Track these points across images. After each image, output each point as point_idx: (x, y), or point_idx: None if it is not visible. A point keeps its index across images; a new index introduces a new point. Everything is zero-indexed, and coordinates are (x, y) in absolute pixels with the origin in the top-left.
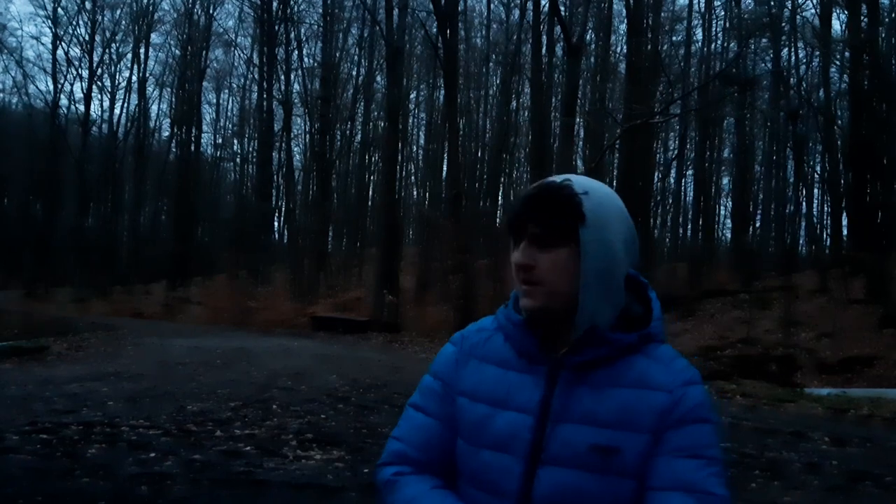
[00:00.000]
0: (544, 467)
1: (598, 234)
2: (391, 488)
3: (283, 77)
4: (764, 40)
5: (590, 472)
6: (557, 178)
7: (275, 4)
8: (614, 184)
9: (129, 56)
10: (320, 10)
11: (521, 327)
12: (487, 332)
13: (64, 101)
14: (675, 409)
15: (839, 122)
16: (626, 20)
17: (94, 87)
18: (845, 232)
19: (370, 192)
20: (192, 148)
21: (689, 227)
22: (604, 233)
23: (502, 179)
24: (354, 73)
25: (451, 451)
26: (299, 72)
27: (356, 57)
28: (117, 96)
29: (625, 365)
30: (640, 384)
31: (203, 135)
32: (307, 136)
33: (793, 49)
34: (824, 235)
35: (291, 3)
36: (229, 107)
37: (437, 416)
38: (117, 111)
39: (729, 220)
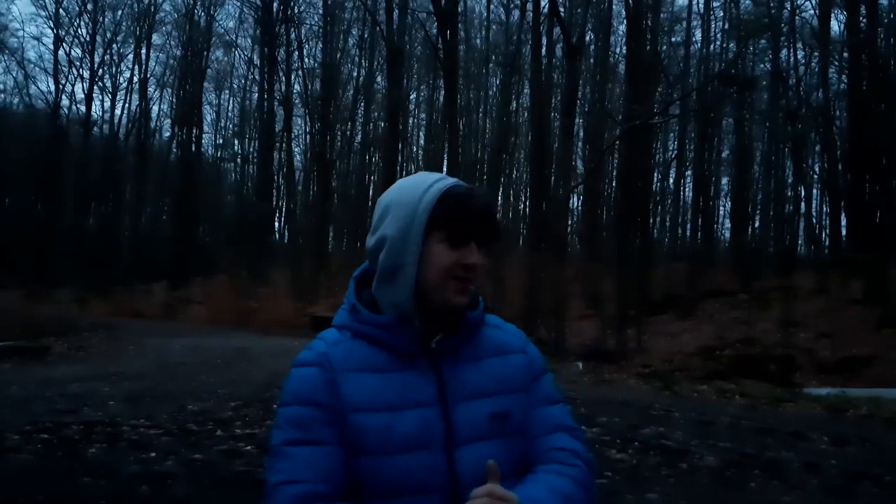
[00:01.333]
0: (460, 448)
1: None
2: None
3: (283, 77)
4: (763, 41)
5: (495, 440)
6: (472, 187)
7: (275, 5)
8: (614, 184)
9: (131, 56)
10: (321, 11)
11: (393, 326)
12: (345, 343)
13: (65, 101)
14: (531, 366)
15: (838, 122)
16: (625, 21)
17: (95, 87)
18: (844, 232)
19: (370, 193)
20: (193, 148)
21: (689, 227)
22: None
23: (502, 179)
24: (355, 73)
25: (351, 474)
26: (300, 72)
27: (356, 57)
28: (118, 97)
29: (481, 338)
30: (501, 351)
31: (204, 135)
32: (308, 136)
33: (792, 49)
34: (823, 236)
35: (292, 3)
36: (230, 107)
37: (329, 442)
38: (118, 111)
39: (728, 221)
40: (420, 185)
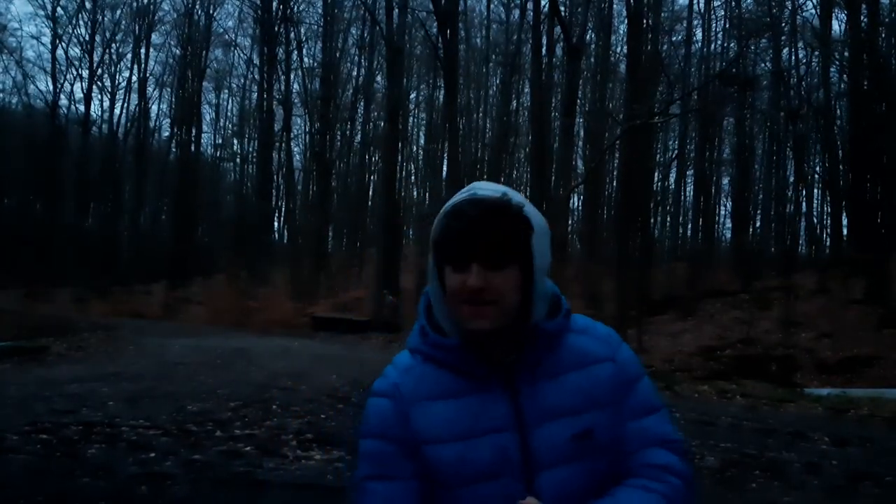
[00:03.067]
0: (540, 474)
1: (540, 240)
2: None
3: (283, 77)
4: (764, 40)
5: (577, 461)
6: (488, 192)
7: (275, 4)
8: (614, 184)
9: (130, 56)
10: (320, 11)
11: (460, 350)
12: (416, 369)
13: (64, 101)
14: (621, 374)
15: (839, 122)
16: (626, 20)
17: (94, 87)
18: (845, 232)
19: (370, 192)
20: (193, 148)
21: (689, 227)
22: (543, 237)
23: (502, 180)
24: (354, 73)
25: None
26: (299, 72)
27: (356, 57)
28: (117, 96)
29: (562, 348)
30: (584, 362)
31: (203, 135)
32: (307, 136)
33: (793, 49)
34: (824, 235)
35: (291, 3)
36: (229, 107)
37: (404, 477)
38: (117, 111)
39: (729, 220)
40: (446, 206)
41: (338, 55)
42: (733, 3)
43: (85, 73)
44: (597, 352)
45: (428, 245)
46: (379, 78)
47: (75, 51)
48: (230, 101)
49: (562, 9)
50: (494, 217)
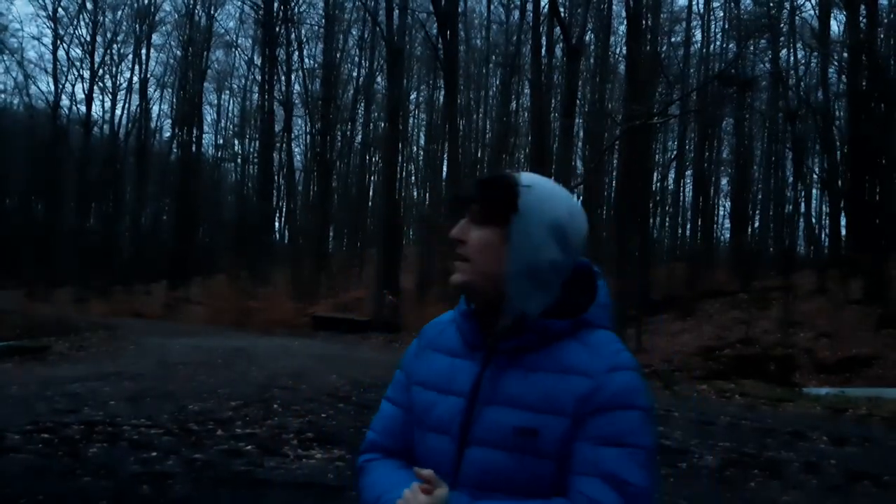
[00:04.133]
0: (471, 448)
1: (527, 227)
2: (361, 473)
3: (283, 78)
4: (763, 41)
5: (511, 453)
6: (513, 172)
7: (275, 5)
8: (614, 184)
9: (131, 57)
10: (321, 11)
11: (467, 316)
12: (443, 325)
13: (65, 101)
14: (596, 395)
15: (838, 122)
16: (625, 21)
17: (95, 87)
18: (844, 232)
19: (370, 193)
20: (194, 148)
21: (688, 227)
22: (533, 227)
23: None
24: (355, 73)
25: (412, 437)
26: (300, 73)
27: (356, 58)
28: (118, 97)
29: (555, 350)
30: (564, 369)
31: (204, 135)
32: (308, 136)
33: (792, 50)
34: (823, 236)
35: (292, 4)
36: (230, 107)
37: (400, 405)
38: (118, 112)
39: (728, 221)
40: None
41: (338, 56)
42: (732, 3)
43: (86, 74)
44: (583, 366)
45: (427, 245)
46: (379, 79)
47: (76, 51)
48: (231, 101)
49: (561, 9)
50: (486, 179)
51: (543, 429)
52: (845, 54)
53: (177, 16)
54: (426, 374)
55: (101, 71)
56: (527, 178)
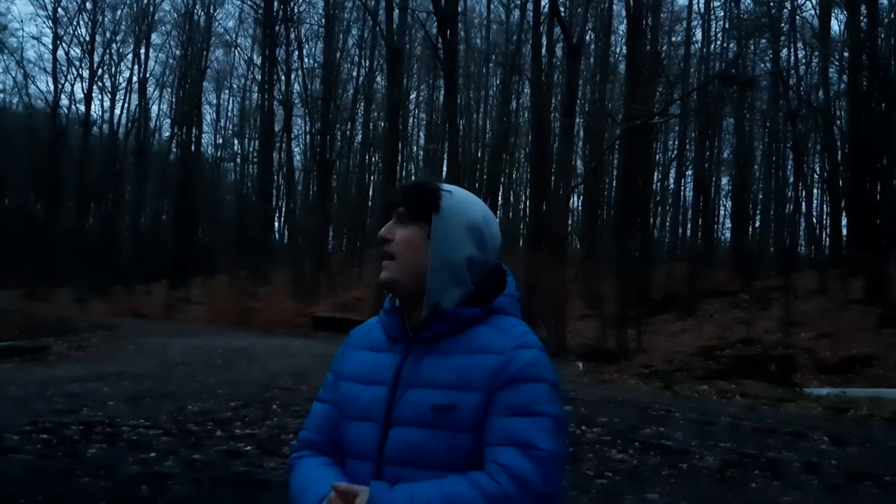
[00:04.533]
0: (394, 428)
1: (446, 225)
2: (290, 469)
3: (283, 77)
4: (763, 41)
5: (432, 429)
6: (434, 180)
7: (275, 5)
8: (614, 184)
9: (130, 56)
10: (321, 11)
11: (389, 312)
12: (370, 325)
13: (64, 101)
14: (505, 370)
15: (838, 122)
16: (625, 21)
17: (94, 87)
18: (845, 232)
19: (370, 192)
20: (193, 148)
21: (689, 227)
22: (451, 226)
23: (502, 180)
24: (355, 73)
25: (339, 431)
26: (300, 72)
27: (356, 57)
28: (118, 96)
29: (468, 335)
30: (476, 349)
31: (203, 135)
32: (307, 136)
33: (792, 49)
34: (823, 235)
35: (292, 3)
36: (230, 107)
37: (329, 402)
38: (118, 111)
39: (728, 221)
40: None
41: (338, 55)
42: (732, 3)
43: (85, 74)
44: (493, 344)
45: None
46: (379, 78)
47: (76, 51)
48: (231, 101)
49: (562, 9)
50: (411, 185)
51: (459, 404)
52: (846, 54)
53: (176, 15)
54: (351, 370)
55: (100, 70)
56: (447, 185)
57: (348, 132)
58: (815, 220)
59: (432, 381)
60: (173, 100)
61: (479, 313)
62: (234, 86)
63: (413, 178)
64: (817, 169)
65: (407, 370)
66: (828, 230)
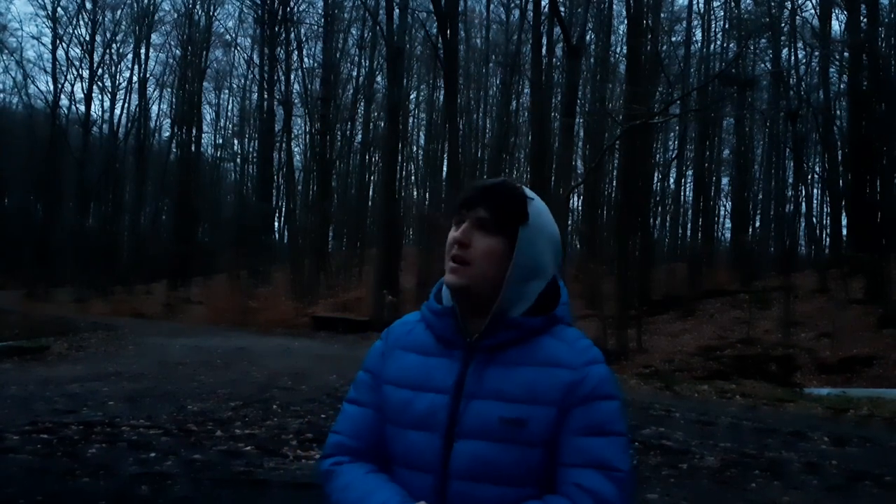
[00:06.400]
0: (459, 441)
1: (533, 236)
2: (329, 477)
3: (283, 77)
4: (763, 40)
5: (500, 443)
6: (504, 178)
7: (275, 5)
8: (614, 184)
9: (130, 56)
10: (320, 11)
11: (440, 314)
12: (410, 325)
13: (64, 101)
14: (580, 386)
15: (838, 122)
16: (625, 21)
17: (94, 87)
18: (845, 232)
19: (370, 192)
20: (193, 148)
21: (689, 227)
22: (538, 237)
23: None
24: (355, 73)
25: (382, 437)
26: (299, 72)
27: (356, 57)
28: (118, 96)
29: (533, 346)
30: (546, 362)
31: (203, 135)
32: (307, 136)
33: (792, 49)
34: (824, 235)
35: (292, 3)
36: (230, 107)
37: (368, 406)
38: (118, 111)
39: (728, 220)
40: None
41: (338, 55)
42: (733, 3)
43: (85, 74)
44: (562, 358)
45: (428, 244)
46: (379, 78)
47: (76, 51)
48: (230, 101)
49: (562, 9)
50: (495, 188)
51: (531, 419)
52: (846, 54)
53: (176, 15)
54: (398, 373)
55: (100, 70)
56: (529, 190)
57: (348, 132)
58: (815, 220)
59: (499, 392)
60: (173, 100)
61: (543, 323)
62: (234, 86)
63: (485, 176)
64: (817, 169)
65: (471, 379)
66: (828, 230)
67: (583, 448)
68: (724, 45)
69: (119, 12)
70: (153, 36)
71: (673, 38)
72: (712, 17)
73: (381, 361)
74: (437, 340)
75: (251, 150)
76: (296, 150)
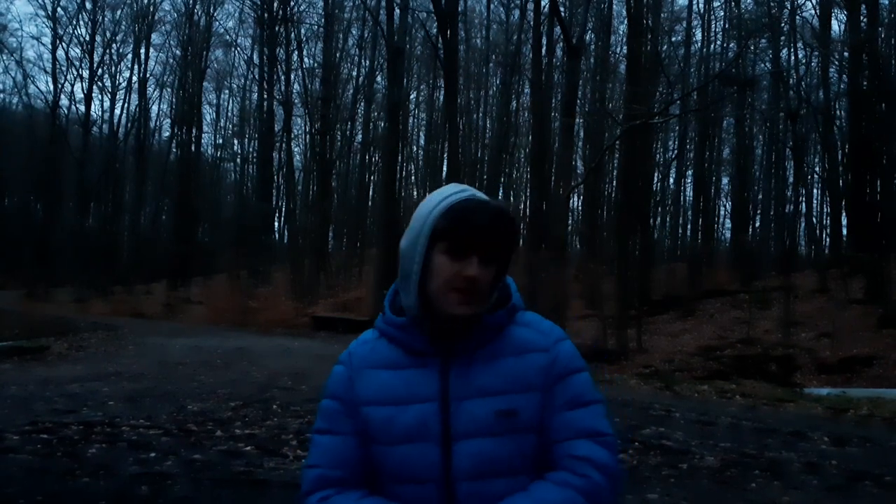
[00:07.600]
0: (458, 443)
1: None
2: None
3: (283, 77)
4: (763, 41)
5: (498, 437)
6: (500, 203)
7: (275, 5)
8: (614, 184)
9: (130, 56)
10: (321, 11)
11: (404, 328)
12: (370, 343)
13: (64, 101)
14: (555, 366)
15: (838, 122)
16: (625, 21)
17: (94, 87)
18: (845, 232)
19: (370, 192)
20: (193, 148)
21: (689, 227)
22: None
23: (502, 179)
24: (355, 73)
25: (366, 461)
26: (299, 72)
27: (356, 57)
28: (118, 96)
29: (504, 337)
30: (521, 350)
31: (203, 135)
32: (307, 136)
33: (792, 49)
34: (824, 235)
35: (292, 3)
36: (230, 107)
37: (345, 433)
38: (118, 111)
39: (728, 221)
40: (436, 197)
41: (338, 55)
42: (733, 3)
43: (85, 74)
44: (534, 342)
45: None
46: (379, 78)
47: (76, 51)
48: (230, 101)
49: (562, 9)
50: (501, 220)
51: (522, 406)
52: (846, 54)
53: (176, 15)
54: (374, 392)
55: (100, 70)
56: (503, 201)
57: (348, 132)
58: (815, 220)
59: (487, 388)
60: (173, 100)
61: (508, 314)
62: (234, 86)
63: (485, 177)
64: (817, 169)
65: (455, 382)
66: (828, 230)
67: (569, 421)
68: (724, 45)
69: (119, 12)
70: (153, 36)
71: (673, 39)
72: (712, 17)
73: (349, 385)
74: (407, 353)
75: (251, 150)
76: (296, 150)
